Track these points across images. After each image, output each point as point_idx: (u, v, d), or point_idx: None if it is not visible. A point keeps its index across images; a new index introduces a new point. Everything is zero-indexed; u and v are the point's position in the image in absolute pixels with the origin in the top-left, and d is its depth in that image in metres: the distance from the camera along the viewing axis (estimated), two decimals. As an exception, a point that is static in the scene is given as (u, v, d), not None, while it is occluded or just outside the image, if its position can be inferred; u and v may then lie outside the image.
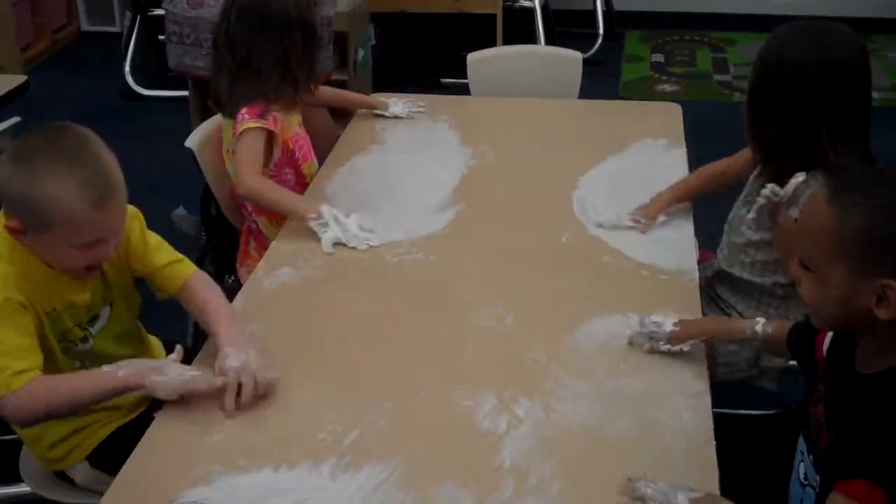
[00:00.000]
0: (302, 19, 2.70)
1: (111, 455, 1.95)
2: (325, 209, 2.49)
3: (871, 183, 1.56)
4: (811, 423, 1.70)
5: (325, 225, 2.46)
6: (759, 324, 1.98)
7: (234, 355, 1.90)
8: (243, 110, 2.65)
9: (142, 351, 2.20)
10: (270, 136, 2.70)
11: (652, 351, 2.00)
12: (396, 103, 3.26)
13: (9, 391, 1.80)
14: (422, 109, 3.25)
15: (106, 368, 1.88)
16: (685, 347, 1.97)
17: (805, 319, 1.87)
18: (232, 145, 2.71)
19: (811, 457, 1.69)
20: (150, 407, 2.04)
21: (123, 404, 2.09)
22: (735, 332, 2.05)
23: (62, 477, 2.10)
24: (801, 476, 1.73)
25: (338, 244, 2.43)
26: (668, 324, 2.00)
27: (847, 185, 1.57)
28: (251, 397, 1.86)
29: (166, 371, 1.86)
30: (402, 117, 3.21)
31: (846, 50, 2.19)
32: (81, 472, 2.07)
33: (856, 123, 2.20)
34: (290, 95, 2.73)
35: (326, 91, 3.16)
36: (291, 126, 2.81)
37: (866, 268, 1.50)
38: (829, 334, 1.76)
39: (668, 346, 1.98)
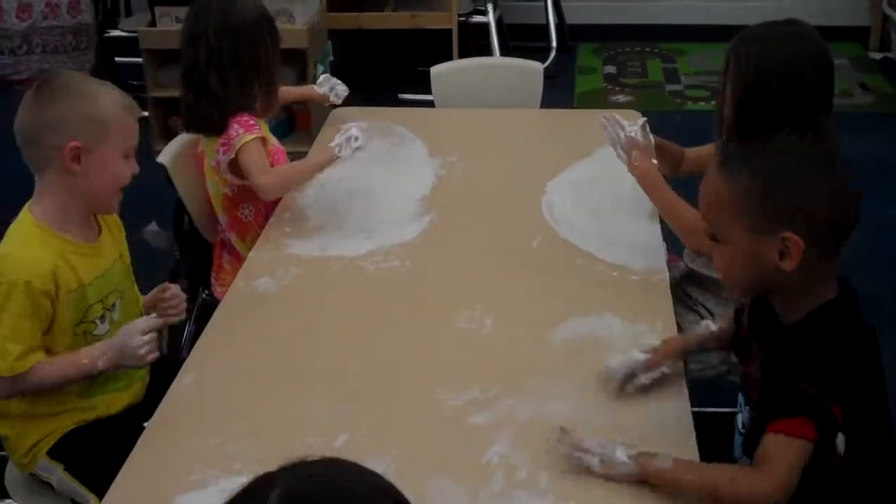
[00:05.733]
0: (268, 22, 2.74)
1: (71, 451, 2.09)
2: (337, 136, 2.68)
3: (752, 150, 1.73)
4: (747, 377, 1.83)
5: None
6: (710, 323, 2.03)
7: None
8: (234, 126, 2.67)
9: None
10: (265, 144, 2.74)
11: (633, 389, 1.94)
12: (328, 82, 3.25)
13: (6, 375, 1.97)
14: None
15: (85, 361, 2.02)
16: (665, 370, 1.95)
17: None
18: (216, 158, 2.73)
19: (748, 407, 1.81)
20: (132, 410, 2.18)
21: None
22: (697, 339, 2.04)
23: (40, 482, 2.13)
24: (740, 426, 1.86)
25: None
26: (639, 355, 1.95)
27: (732, 152, 1.74)
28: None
29: (132, 342, 2.00)
30: (337, 104, 3.24)
31: (818, 36, 2.31)
32: (45, 468, 2.11)
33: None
34: (272, 100, 2.78)
35: None
36: (269, 137, 2.84)
37: (762, 224, 1.63)
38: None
39: (648, 377, 1.93)
